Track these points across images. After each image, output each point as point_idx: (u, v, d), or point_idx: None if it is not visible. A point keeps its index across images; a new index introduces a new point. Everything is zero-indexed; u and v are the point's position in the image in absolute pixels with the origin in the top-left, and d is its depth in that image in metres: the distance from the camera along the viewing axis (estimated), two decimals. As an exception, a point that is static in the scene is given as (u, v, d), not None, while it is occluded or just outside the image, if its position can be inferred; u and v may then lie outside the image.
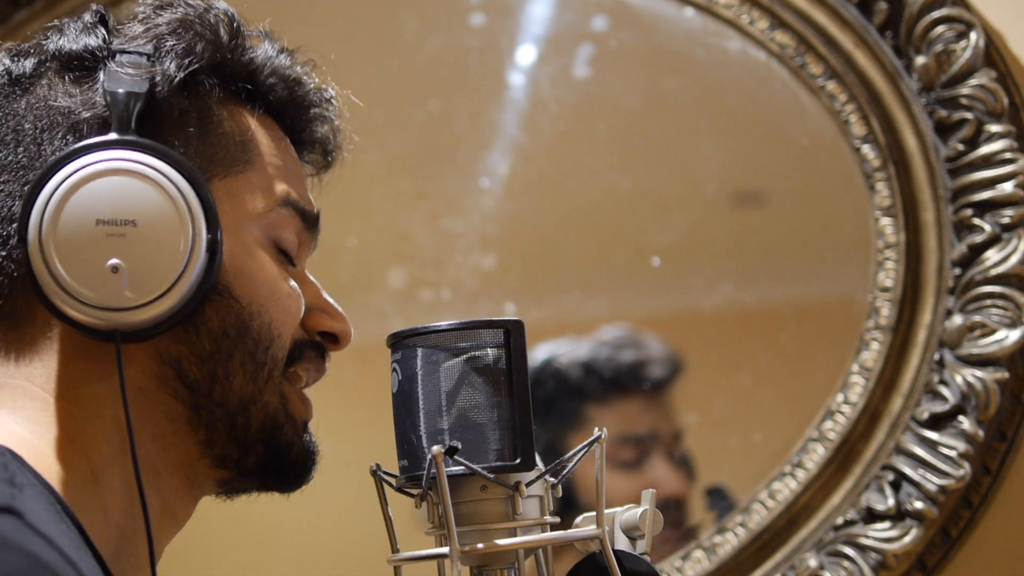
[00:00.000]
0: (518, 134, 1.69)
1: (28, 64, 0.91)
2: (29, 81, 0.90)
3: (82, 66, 0.90)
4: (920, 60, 1.47)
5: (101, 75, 0.88)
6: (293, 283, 0.93)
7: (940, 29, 1.46)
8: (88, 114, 0.87)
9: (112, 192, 0.83)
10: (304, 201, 0.95)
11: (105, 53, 0.89)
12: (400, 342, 0.89)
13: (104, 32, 0.91)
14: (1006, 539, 1.44)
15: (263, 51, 0.96)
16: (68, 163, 0.83)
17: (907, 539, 1.42)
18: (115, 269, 0.82)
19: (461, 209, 1.69)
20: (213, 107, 0.92)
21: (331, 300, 0.96)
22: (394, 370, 0.90)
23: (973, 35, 1.45)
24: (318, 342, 0.95)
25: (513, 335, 0.87)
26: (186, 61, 0.90)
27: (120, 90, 0.86)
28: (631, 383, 1.59)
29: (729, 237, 1.64)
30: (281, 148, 0.96)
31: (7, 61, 0.92)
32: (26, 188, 0.84)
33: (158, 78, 0.88)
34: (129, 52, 0.89)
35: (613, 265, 1.68)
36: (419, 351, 0.88)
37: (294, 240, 0.94)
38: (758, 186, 1.66)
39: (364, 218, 1.66)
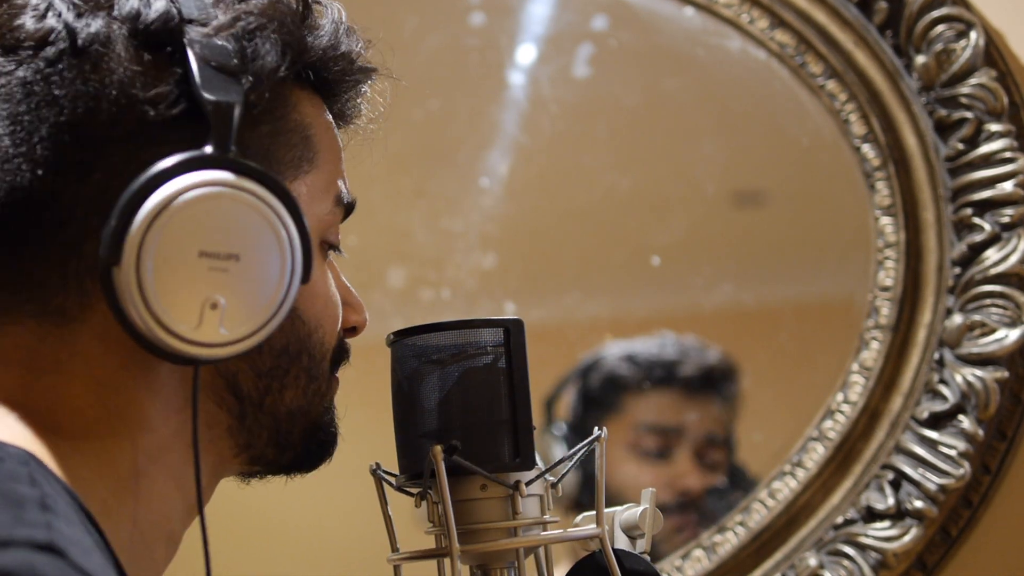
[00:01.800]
0: (518, 134, 1.69)
1: (95, 26, 0.80)
2: (99, 54, 0.79)
3: (160, 44, 0.80)
4: (920, 59, 1.47)
5: (183, 65, 0.79)
6: (334, 286, 0.90)
7: (940, 28, 1.46)
8: (174, 111, 0.79)
9: (218, 221, 0.76)
10: (348, 192, 0.91)
11: (186, 35, 0.80)
12: (400, 341, 0.89)
13: (178, 2, 0.81)
14: (1006, 538, 1.44)
15: (329, 31, 0.88)
16: (167, 180, 0.76)
17: (907, 538, 1.42)
18: (214, 305, 0.76)
19: (461, 209, 1.69)
20: (281, 98, 0.85)
21: (349, 286, 0.93)
22: (394, 369, 0.90)
23: (973, 34, 1.45)
24: (343, 340, 0.92)
25: (513, 334, 0.87)
26: (277, 62, 0.82)
27: (217, 96, 0.78)
28: (665, 375, 1.60)
29: (729, 237, 1.64)
30: (333, 136, 0.91)
31: (69, 16, 0.80)
32: (99, 187, 0.78)
33: (248, 81, 0.80)
34: (218, 44, 0.81)
35: (613, 265, 1.68)
36: (419, 350, 0.88)
37: (338, 232, 0.91)
38: (758, 186, 1.66)
39: (364, 217, 1.66)
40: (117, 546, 0.77)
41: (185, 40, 0.80)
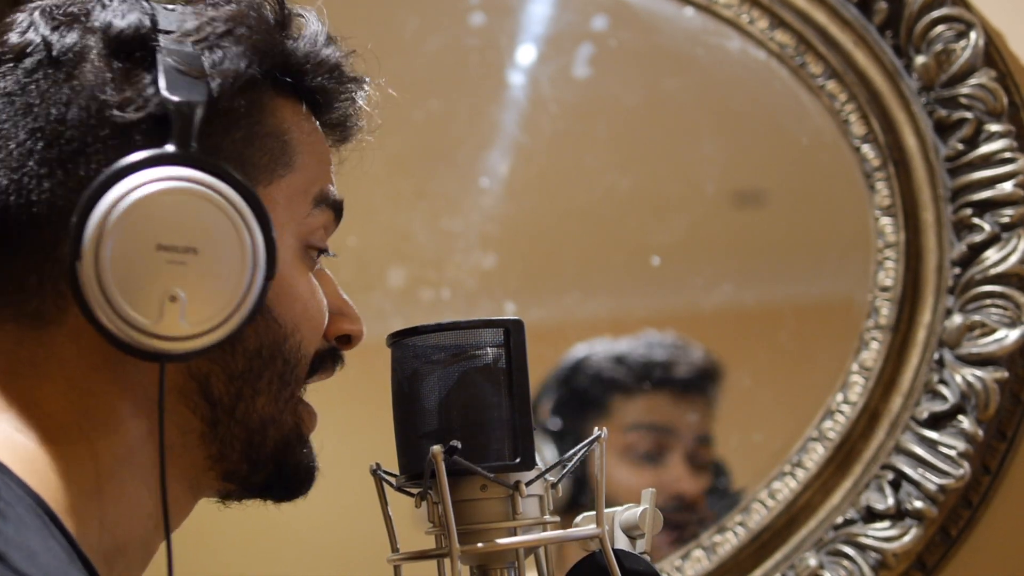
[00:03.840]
0: (518, 134, 1.69)
1: (70, 39, 0.84)
2: (72, 63, 0.83)
3: (130, 54, 0.83)
4: (920, 60, 1.47)
5: (151, 72, 0.82)
6: (320, 292, 0.90)
7: (940, 29, 1.46)
8: (139, 115, 0.82)
9: (175, 215, 0.78)
10: (335, 193, 0.92)
11: (156, 43, 0.83)
12: (400, 341, 0.89)
13: (151, 13, 0.85)
14: (1006, 538, 1.44)
15: (308, 39, 0.90)
16: (126, 176, 0.78)
17: (907, 538, 1.42)
18: (173, 298, 0.78)
19: (461, 209, 1.69)
20: (256, 103, 0.87)
21: (345, 297, 0.94)
22: (394, 369, 0.90)
23: (973, 35, 1.45)
24: (334, 347, 0.93)
25: (513, 334, 0.87)
26: (244, 63, 0.84)
27: (180, 97, 0.81)
28: (656, 377, 1.60)
29: (729, 237, 1.64)
30: (316, 140, 0.92)
31: (46, 31, 0.85)
32: (70, 187, 0.80)
33: (216, 83, 0.83)
34: (184, 42, 0.84)
35: (613, 265, 1.68)
36: (419, 350, 0.88)
37: (324, 235, 0.91)
38: (758, 186, 1.66)
39: (364, 218, 1.66)
40: (88, 550, 0.78)
41: (155, 47, 0.83)
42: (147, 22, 0.84)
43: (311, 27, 0.91)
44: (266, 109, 0.87)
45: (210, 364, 0.84)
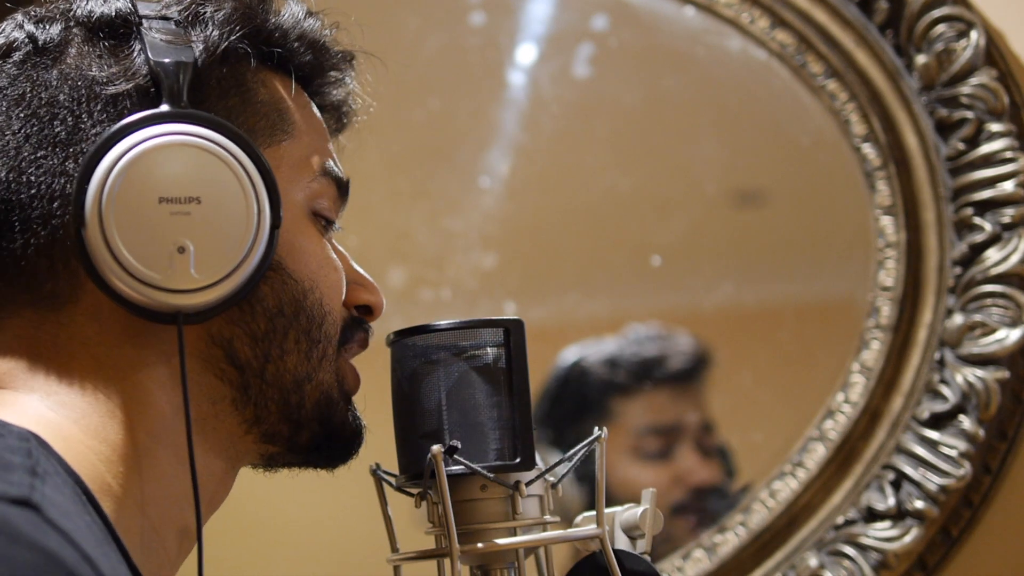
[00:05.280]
0: (518, 133, 1.69)
1: (54, 30, 0.86)
2: (58, 49, 0.85)
3: (114, 33, 0.85)
4: (921, 59, 1.47)
5: (136, 44, 0.84)
6: (333, 255, 0.90)
7: (941, 28, 1.46)
8: (129, 85, 0.83)
9: (173, 167, 0.79)
10: (338, 168, 0.92)
11: (137, 19, 0.85)
12: (400, 341, 0.89)
13: (132, 3, 0.87)
14: (1007, 538, 1.44)
15: (291, 15, 0.92)
16: (122, 138, 0.79)
17: (907, 538, 1.42)
18: (182, 249, 0.78)
19: (461, 208, 1.69)
20: (248, 75, 0.88)
21: (360, 270, 0.93)
22: (394, 369, 0.90)
23: (974, 34, 1.45)
24: (358, 317, 0.92)
25: (513, 334, 0.87)
26: (227, 30, 0.86)
27: (167, 60, 0.82)
28: (655, 375, 1.59)
29: (729, 237, 1.64)
30: (311, 114, 0.92)
31: (30, 27, 0.87)
32: (69, 164, 0.81)
33: (200, 47, 0.84)
34: (166, 19, 0.86)
35: (613, 265, 1.67)
36: (419, 350, 0.88)
37: (331, 208, 0.91)
38: (758, 185, 1.66)
39: (364, 217, 1.66)
40: (125, 533, 0.77)
41: (138, 23, 0.85)
42: (128, 6, 0.86)
43: (292, 6, 0.92)
44: (258, 80, 0.88)
45: (232, 327, 0.84)
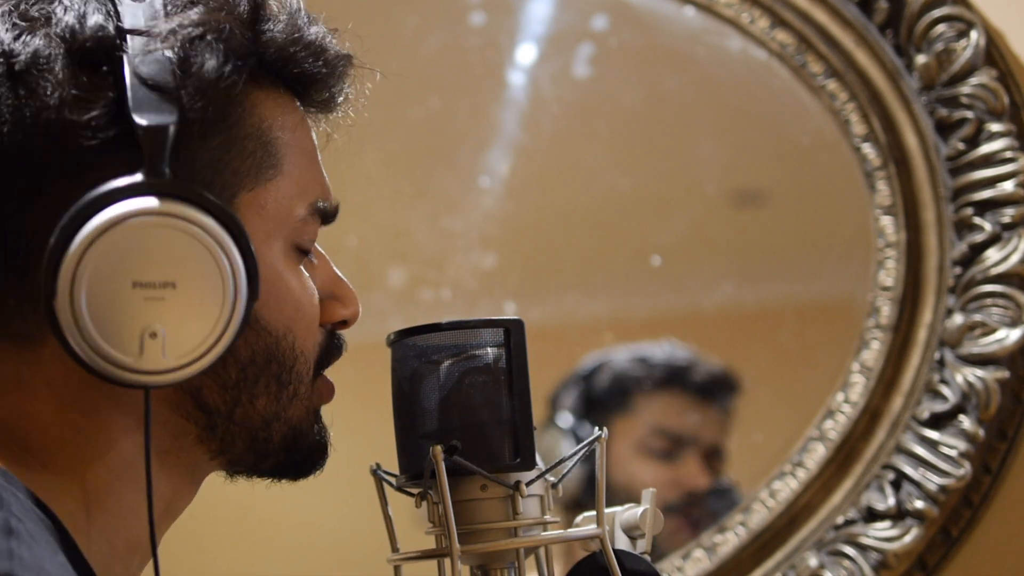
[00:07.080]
0: (518, 133, 1.69)
1: (33, 45, 0.79)
2: (35, 77, 0.78)
3: (96, 63, 0.79)
4: (921, 59, 1.46)
5: (119, 86, 0.78)
6: (310, 285, 0.88)
7: (941, 28, 1.46)
8: (107, 136, 0.78)
9: (149, 249, 0.75)
10: (328, 198, 0.89)
11: (123, 50, 0.79)
12: (400, 341, 0.89)
13: (116, 12, 0.80)
14: (1007, 538, 1.44)
15: (285, 24, 0.86)
16: (98, 211, 0.74)
17: (907, 538, 1.42)
18: (153, 335, 0.75)
19: (461, 208, 1.69)
20: (233, 107, 0.83)
21: (341, 276, 0.91)
22: (394, 369, 0.90)
23: (974, 34, 1.45)
24: (334, 333, 0.91)
25: (513, 334, 0.87)
26: (219, 69, 0.80)
27: (150, 122, 0.77)
28: (680, 380, 1.60)
29: (729, 237, 1.64)
30: (302, 135, 0.89)
31: (6, 35, 0.80)
32: (44, 219, 0.76)
33: (188, 93, 0.79)
34: (155, 58, 0.79)
35: (613, 265, 1.67)
36: (419, 350, 0.88)
37: (315, 236, 0.89)
38: (758, 185, 1.66)
39: (364, 217, 1.66)
40: (97, 556, 0.78)
41: (121, 56, 0.79)
42: (112, 27, 0.80)
43: (288, 9, 0.87)
44: (245, 109, 0.84)
45: (201, 377, 0.81)
